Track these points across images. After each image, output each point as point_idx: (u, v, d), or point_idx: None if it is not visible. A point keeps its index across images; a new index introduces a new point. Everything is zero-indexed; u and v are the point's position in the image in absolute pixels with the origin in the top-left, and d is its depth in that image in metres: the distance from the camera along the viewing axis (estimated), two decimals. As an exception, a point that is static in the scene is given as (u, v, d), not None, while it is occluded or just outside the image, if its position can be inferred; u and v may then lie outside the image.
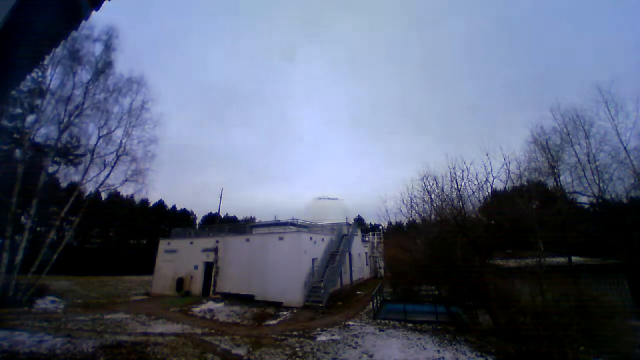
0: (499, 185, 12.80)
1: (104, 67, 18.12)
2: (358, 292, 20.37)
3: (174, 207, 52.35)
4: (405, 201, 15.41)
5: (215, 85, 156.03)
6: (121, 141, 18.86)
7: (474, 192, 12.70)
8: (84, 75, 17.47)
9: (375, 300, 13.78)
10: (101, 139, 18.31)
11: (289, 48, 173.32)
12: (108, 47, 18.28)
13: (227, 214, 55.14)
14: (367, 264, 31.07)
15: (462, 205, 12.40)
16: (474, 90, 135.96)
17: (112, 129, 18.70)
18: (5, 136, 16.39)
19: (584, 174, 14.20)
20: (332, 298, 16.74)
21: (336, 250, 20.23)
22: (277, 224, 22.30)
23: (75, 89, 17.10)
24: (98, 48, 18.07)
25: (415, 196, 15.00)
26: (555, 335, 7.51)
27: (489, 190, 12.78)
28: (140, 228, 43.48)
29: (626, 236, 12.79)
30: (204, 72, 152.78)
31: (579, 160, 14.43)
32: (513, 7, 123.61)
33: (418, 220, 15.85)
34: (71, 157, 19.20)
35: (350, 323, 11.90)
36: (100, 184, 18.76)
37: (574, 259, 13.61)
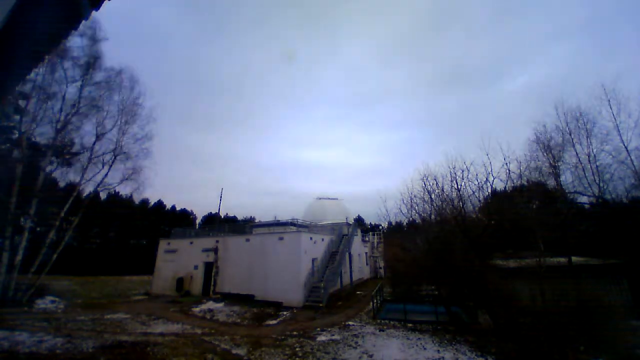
0: (499, 185, 12.83)
1: (93, 61, 17.79)
2: (358, 292, 20.38)
3: (173, 207, 52.32)
4: (405, 201, 15.46)
5: (215, 83, 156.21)
6: (117, 139, 18.85)
7: (474, 192, 12.73)
8: (76, 72, 17.37)
9: (375, 300, 13.78)
10: (97, 138, 18.29)
11: (290, 47, 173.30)
12: (95, 40, 17.99)
13: (227, 214, 55.15)
14: (367, 264, 31.07)
15: (462, 205, 12.42)
16: (474, 90, 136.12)
17: (108, 127, 18.66)
18: (3, 136, 16.37)
19: (585, 174, 14.18)
20: (332, 298, 16.74)
21: (336, 250, 20.23)
22: (277, 224, 22.30)
23: (68, 87, 17.03)
24: (86, 43, 17.77)
25: (415, 196, 15.05)
26: (555, 335, 7.51)
27: (489, 190, 12.81)
28: (140, 228, 43.44)
29: (626, 236, 12.78)
30: (203, 71, 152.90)
31: (579, 160, 14.41)
32: (514, 6, 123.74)
33: (418, 220, 15.88)
34: (68, 157, 19.16)
35: (350, 323, 11.90)
36: (99, 184, 18.77)
37: (574, 259, 13.60)
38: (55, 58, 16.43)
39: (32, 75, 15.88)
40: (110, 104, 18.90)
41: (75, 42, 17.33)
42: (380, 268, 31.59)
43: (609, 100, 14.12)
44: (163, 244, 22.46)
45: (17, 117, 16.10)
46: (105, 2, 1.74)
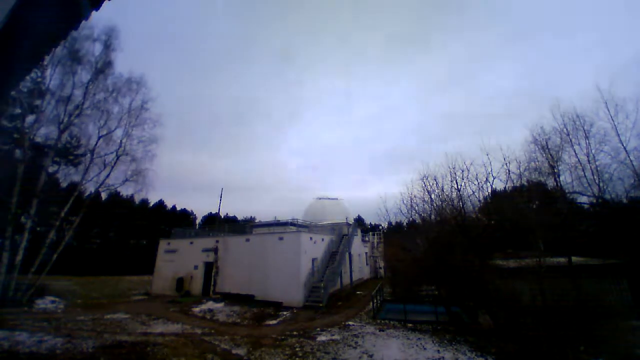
0: (499, 185, 12.83)
1: (103, 67, 18.11)
2: (358, 292, 20.37)
3: (173, 207, 52.36)
4: (405, 201, 15.46)
5: (216, 81, 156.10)
6: (121, 141, 18.89)
7: (474, 192, 12.73)
8: (84, 75, 17.49)
9: (375, 300, 13.77)
10: (101, 139, 18.33)
11: (291, 48, 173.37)
12: (108, 47, 18.29)
13: (227, 214, 55.17)
14: (367, 264, 31.06)
15: (462, 205, 12.42)
16: (473, 90, 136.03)
17: (112, 129, 18.73)
18: (5, 136, 16.38)
19: (584, 174, 14.17)
20: (332, 298, 16.73)
21: (336, 250, 20.23)
22: (277, 224, 22.32)
23: (75, 89, 17.12)
24: (98, 48, 18.09)
25: (415, 196, 15.04)
26: (555, 335, 7.51)
27: (489, 190, 12.81)
28: (140, 228, 43.43)
29: (626, 236, 12.77)
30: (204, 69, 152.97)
31: (578, 160, 14.40)
32: (513, 5, 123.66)
33: (418, 220, 15.87)
34: (71, 157, 19.21)
35: (350, 323, 11.90)
36: (100, 184, 18.79)
37: (574, 259, 13.59)
38: (65, 60, 16.52)
39: (37, 75, 15.95)
40: (115, 106, 19.01)
41: (89, 46, 17.50)
42: (380, 268, 31.57)
43: (606, 102, 14.13)
44: (163, 244, 22.46)
45: (19, 117, 16.12)
46: (105, 2, 1.75)
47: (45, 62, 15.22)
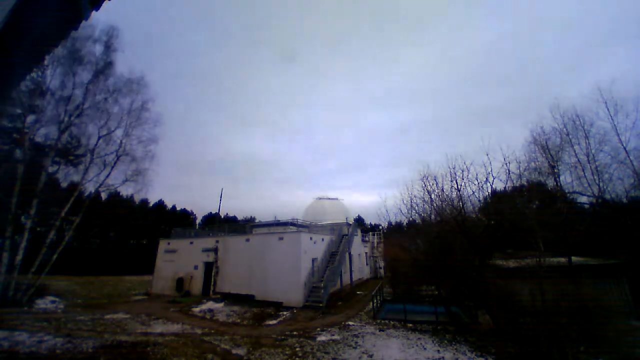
0: (499, 185, 12.80)
1: (104, 68, 18.13)
2: (358, 292, 20.38)
3: (174, 207, 52.39)
4: (405, 201, 15.45)
5: (216, 80, 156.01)
6: (121, 141, 18.90)
7: (474, 192, 12.70)
8: (85, 75, 17.50)
9: (375, 300, 13.77)
10: (101, 139, 18.37)
11: (290, 47, 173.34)
12: (108, 47, 18.31)
13: (227, 214, 55.23)
14: (367, 264, 31.06)
15: (462, 205, 12.40)
16: (473, 91, 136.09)
17: (112, 129, 18.77)
18: (5, 136, 16.37)
19: (584, 174, 14.17)
20: (332, 298, 16.73)
21: (336, 250, 20.22)
22: (277, 224, 22.31)
23: (75, 89, 17.13)
24: (98, 48, 18.10)
25: (415, 196, 15.02)
26: (555, 335, 7.50)
27: (489, 190, 12.78)
28: (140, 228, 43.43)
29: (626, 236, 12.77)
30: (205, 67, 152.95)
31: (578, 160, 14.40)
32: (513, 5, 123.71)
33: (418, 220, 15.87)
34: (71, 157, 19.20)
35: (350, 323, 11.90)
36: (100, 184, 18.81)
37: (574, 259, 13.59)
38: (66, 60, 16.52)
39: (38, 75, 15.93)
40: (116, 106, 19.03)
41: (89, 46, 17.52)
42: (380, 268, 31.58)
43: (606, 102, 14.13)
44: (163, 244, 22.47)
45: (19, 117, 16.12)
46: (105, 2, 1.75)
47: (45, 62, 15.22)
